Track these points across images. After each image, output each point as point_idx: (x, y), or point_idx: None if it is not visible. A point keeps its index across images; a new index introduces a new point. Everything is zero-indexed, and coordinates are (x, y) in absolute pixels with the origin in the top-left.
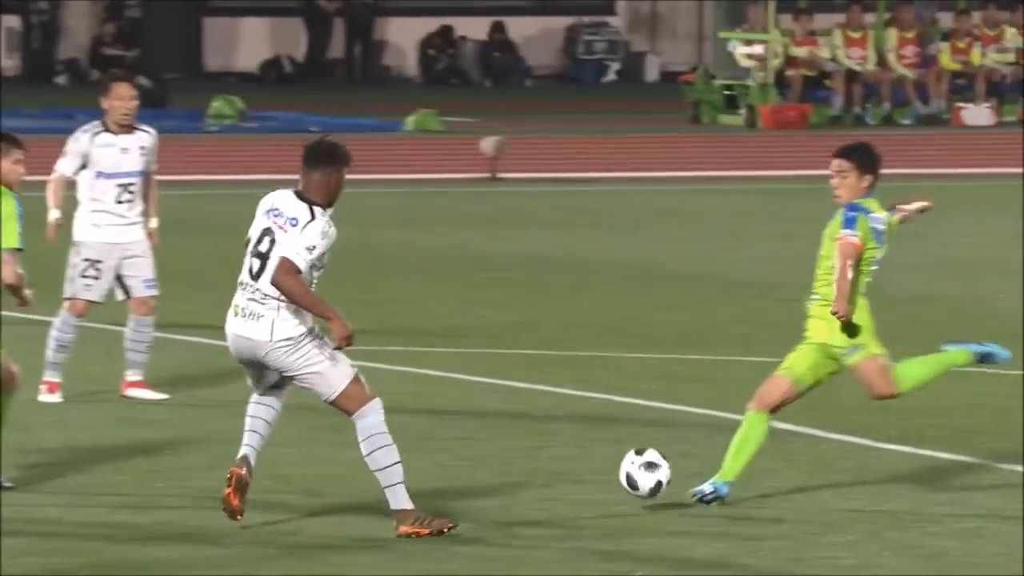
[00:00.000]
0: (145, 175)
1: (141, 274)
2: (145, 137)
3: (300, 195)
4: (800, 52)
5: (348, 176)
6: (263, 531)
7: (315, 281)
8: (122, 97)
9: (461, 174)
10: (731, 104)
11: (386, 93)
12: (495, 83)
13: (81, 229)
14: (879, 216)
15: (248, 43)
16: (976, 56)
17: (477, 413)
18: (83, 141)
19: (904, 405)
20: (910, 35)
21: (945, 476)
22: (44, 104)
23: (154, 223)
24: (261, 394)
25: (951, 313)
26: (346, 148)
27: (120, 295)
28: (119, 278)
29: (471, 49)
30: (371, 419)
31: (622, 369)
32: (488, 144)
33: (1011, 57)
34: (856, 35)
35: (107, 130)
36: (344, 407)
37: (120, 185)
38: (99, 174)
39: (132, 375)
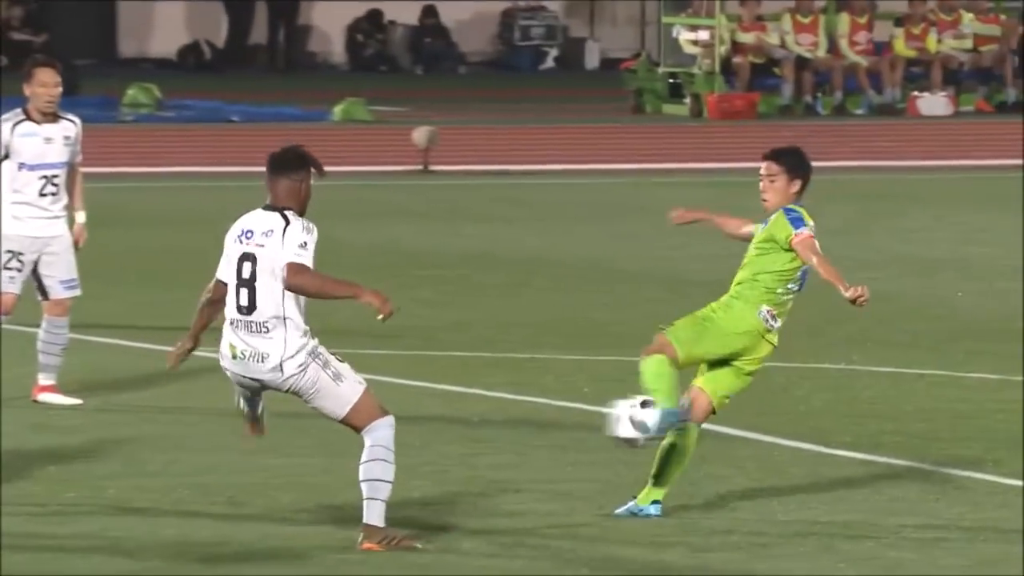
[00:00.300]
0: (70, 167)
1: (60, 274)
2: (70, 126)
3: (268, 207)
4: (747, 38)
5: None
6: (182, 542)
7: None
8: (46, 84)
9: (391, 166)
10: (675, 93)
11: (312, 81)
12: (426, 70)
13: (2, 222)
14: (812, 225)
15: (165, 27)
16: (932, 42)
17: (410, 418)
18: (3, 131)
19: (859, 410)
20: (863, 20)
21: (902, 484)
22: None
23: (82, 217)
24: None
25: (908, 313)
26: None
27: (38, 295)
28: (36, 275)
29: (401, 34)
30: (381, 432)
31: (562, 372)
32: (420, 135)
33: (968, 43)
34: (806, 20)
35: (30, 119)
36: (353, 424)
37: (44, 177)
38: (21, 165)
39: (44, 379)
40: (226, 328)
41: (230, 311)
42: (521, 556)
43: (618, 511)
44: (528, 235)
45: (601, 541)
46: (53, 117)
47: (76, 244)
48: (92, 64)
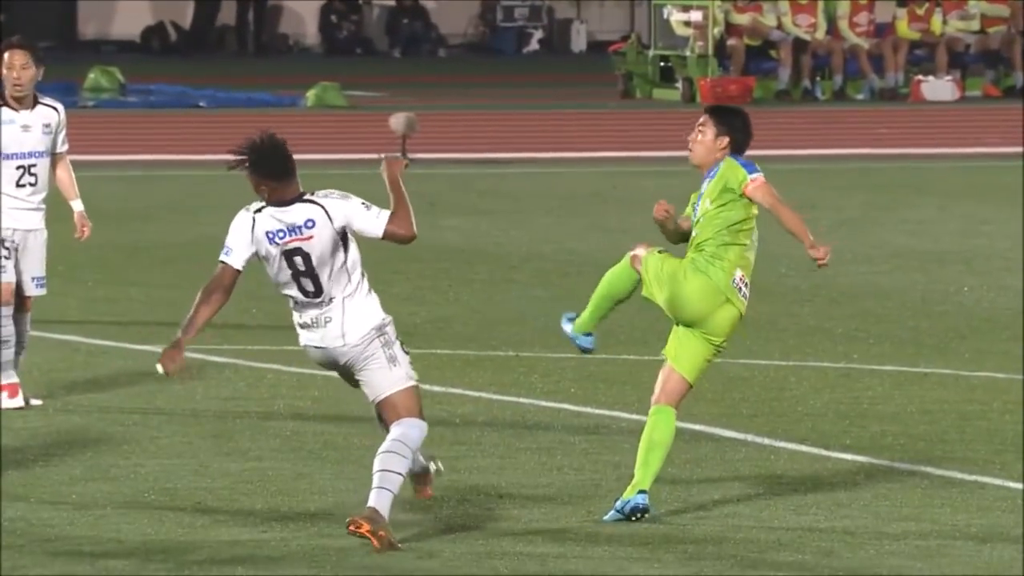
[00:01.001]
0: (52, 156)
1: (31, 271)
2: (50, 114)
3: (280, 201)
4: (742, 19)
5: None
6: (149, 548)
7: (351, 264)
8: (12, 66)
9: (367, 154)
10: (667, 77)
11: (283, 64)
12: (404, 53)
13: None
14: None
15: (128, 8)
16: (937, 24)
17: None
18: None
19: (860, 411)
20: (864, 0)
21: (905, 488)
22: None
23: (78, 206)
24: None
25: (911, 308)
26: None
27: None
28: None
29: (377, 15)
30: (410, 430)
31: (548, 371)
32: (397, 121)
33: (975, 25)
34: (804, 0)
35: (6, 105)
36: (387, 411)
37: (20, 167)
38: None
39: (4, 378)
40: (295, 313)
41: (296, 296)
42: (505, 563)
43: (606, 518)
44: (512, 227)
45: (587, 551)
46: (31, 103)
47: (82, 234)
48: (51, 46)
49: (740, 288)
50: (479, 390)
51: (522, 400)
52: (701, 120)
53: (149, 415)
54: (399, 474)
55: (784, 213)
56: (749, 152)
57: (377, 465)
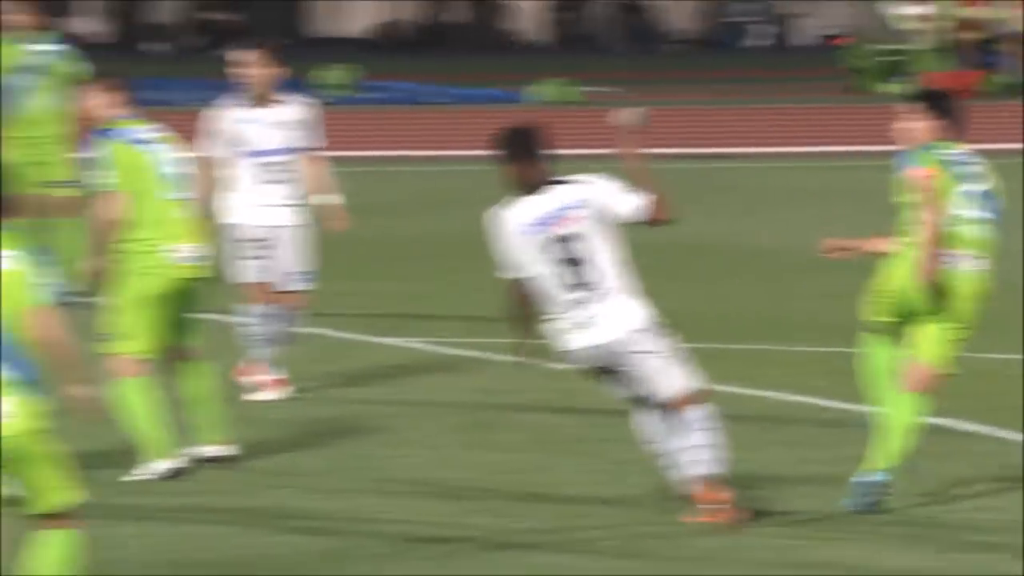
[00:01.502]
0: (296, 151)
1: (287, 267)
2: (289, 111)
3: (532, 186)
4: (968, 13)
5: (468, 153)
6: (408, 534)
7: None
8: (241, 64)
9: (602, 149)
10: (893, 71)
11: (509, 60)
12: (630, 49)
13: (232, 212)
14: (959, 153)
15: (359, 5)
16: None
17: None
18: (219, 116)
19: None
20: None
21: None
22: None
23: (331, 199)
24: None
25: None
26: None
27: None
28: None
29: (601, 11)
30: (701, 410)
31: (791, 364)
32: (629, 116)
33: None
34: None
35: (247, 103)
36: (677, 405)
37: (262, 164)
38: (239, 152)
39: (259, 369)
40: (566, 317)
41: (569, 296)
42: (768, 551)
43: (845, 502)
44: (738, 222)
45: (839, 533)
46: (268, 101)
47: (335, 227)
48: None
49: (948, 264)
50: (723, 383)
51: (768, 394)
52: (910, 107)
53: (393, 406)
54: (709, 447)
55: (923, 216)
56: (967, 145)
57: (684, 442)
